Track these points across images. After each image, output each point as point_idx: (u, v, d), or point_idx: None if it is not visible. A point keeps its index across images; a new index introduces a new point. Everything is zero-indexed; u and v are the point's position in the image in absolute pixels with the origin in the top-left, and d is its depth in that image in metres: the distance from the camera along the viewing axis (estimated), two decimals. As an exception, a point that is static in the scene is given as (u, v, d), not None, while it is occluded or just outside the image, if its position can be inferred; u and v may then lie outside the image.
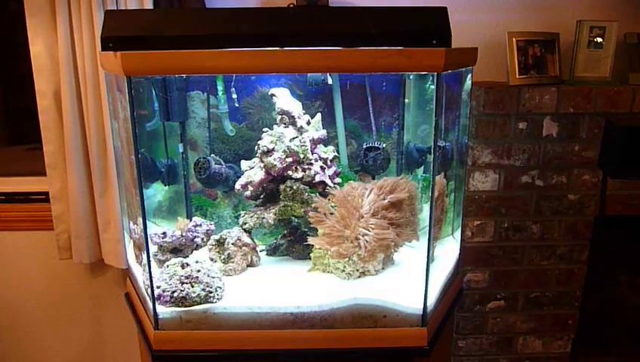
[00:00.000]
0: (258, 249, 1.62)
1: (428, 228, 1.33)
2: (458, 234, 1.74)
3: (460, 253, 1.71)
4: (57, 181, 1.97)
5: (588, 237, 2.07)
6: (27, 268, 2.15)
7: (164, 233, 1.51)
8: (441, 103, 1.24)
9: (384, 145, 1.61)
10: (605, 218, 2.00)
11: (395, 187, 1.42)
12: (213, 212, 1.73)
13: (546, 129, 1.94)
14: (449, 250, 1.69)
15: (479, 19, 1.98)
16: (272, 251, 1.66)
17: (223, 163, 1.62)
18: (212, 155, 1.62)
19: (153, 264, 1.53)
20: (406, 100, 1.71)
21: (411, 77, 1.70)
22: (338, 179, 1.60)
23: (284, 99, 1.49)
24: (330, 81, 1.62)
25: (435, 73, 1.22)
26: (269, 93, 1.51)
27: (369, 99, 1.64)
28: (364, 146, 1.62)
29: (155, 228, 1.54)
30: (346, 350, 1.39)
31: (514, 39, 1.90)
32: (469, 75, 1.58)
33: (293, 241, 1.64)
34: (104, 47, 1.21)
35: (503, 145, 1.96)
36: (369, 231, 1.42)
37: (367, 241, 1.41)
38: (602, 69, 1.97)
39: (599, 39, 1.92)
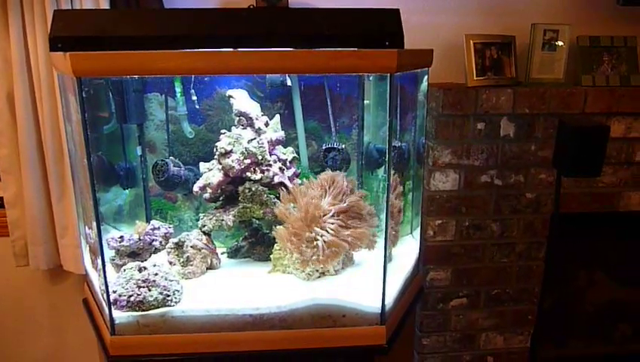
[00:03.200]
0: (220, 251, 1.61)
1: (384, 227, 1.34)
2: (417, 233, 1.76)
3: (419, 252, 1.73)
4: (12, 186, 1.92)
5: (545, 235, 2.12)
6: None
7: (121, 237, 1.48)
8: (394, 104, 1.26)
9: (343, 146, 1.63)
10: (561, 215, 2.05)
11: (336, 182, 1.43)
12: (174, 215, 1.71)
13: (503, 129, 1.99)
14: (408, 249, 1.71)
15: (438, 22, 2.01)
16: (234, 253, 1.65)
17: (181, 165, 1.61)
18: (171, 158, 1.61)
19: (110, 268, 1.51)
20: (366, 101, 1.73)
21: (371, 78, 1.72)
22: (298, 180, 1.60)
23: (241, 100, 1.49)
24: (289, 83, 1.62)
25: (388, 74, 1.23)
26: (227, 95, 1.51)
27: (328, 100, 1.65)
28: (324, 147, 1.63)
29: (113, 232, 1.52)
30: (306, 350, 1.39)
31: (471, 42, 1.94)
32: (425, 77, 1.60)
33: (255, 243, 1.63)
34: (53, 48, 1.19)
35: (463, 145, 2.00)
36: (327, 232, 1.43)
37: (325, 242, 1.41)
38: (556, 71, 2.03)
39: (559, 43, 1.98)
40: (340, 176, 1.51)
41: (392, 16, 1.25)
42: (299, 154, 1.71)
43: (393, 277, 1.50)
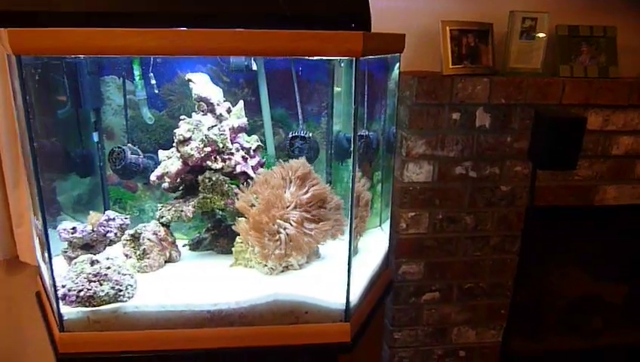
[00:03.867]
0: (181, 243, 1.54)
1: (349, 220, 1.28)
2: (387, 225, 1.70)
3: (389, 245, 1.68)
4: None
5: (519, 228, 2.08)
6: None
7: (73, 228, 1.40)
8: (360, 90, 1.19)
9: (311, 135, 1.56)
10: (536, 208, 2.01)
11: (300, 171, 1.36)
12: (134, 205, 1.63)
13: (478, 120, 1.94)
14: (376, 241, 1.66)
15: (413, 7, 1.94)
16: (195, 245, 1.58)
17: (140, 153, 1.53)
18: (129, 145, 1.52)
19: (62, 261, 1.43)
20: (337, 88, 1.66)
21: (342, 64, 1.65)
22: (262, 170, 1.53)
23: (202, 85, 1.41)
24: (254, 67, 1.54)
25: (354, 58, 1.16)
26: (186, 79, 1.42)
27: (295, 86, 1.58)
28: (290, 135, 1.56)
29: (64, 223, 1.43)
30: (267, 348, 1.33)
31: (447, 28, 1.87)
32: (397, 63, 1.54)
33: (217, 235, 1.56)
34: (-10, 24, 1.09)
35: (437, 135, 1.94)
36: (290, 224, 1.36)
37: (288, 235, 1.35)
38: (534, 61, 1.98)
39: (538, 32, 1.93)
40: (305, 166, 1.44)
41: (360, -3, 1.18)
42: (265, 143, 1.63)
43: (359, 272, 1.45)
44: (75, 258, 1.39)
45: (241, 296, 1.32)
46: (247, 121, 1.53)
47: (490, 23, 1.94)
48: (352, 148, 1.64)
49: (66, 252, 1.42)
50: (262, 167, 1.54)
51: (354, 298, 1.38)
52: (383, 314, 1.87)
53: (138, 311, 1.29)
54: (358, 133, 1.59)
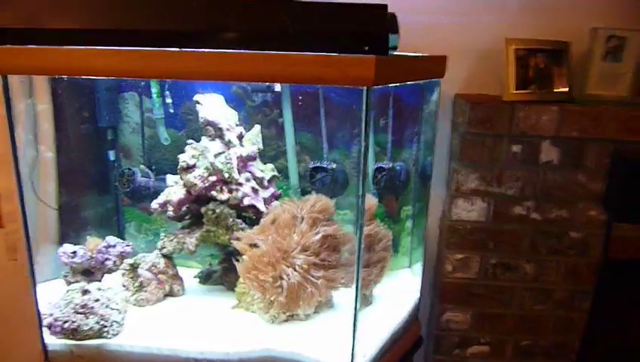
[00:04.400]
0: (194, 272, 1.43)
1: (355, 269, 1.09)
2: (419, 267, 1.48)
3: (420, 293, 1.46)
4: (4, 179, 1.84)
5: (591, 282, 1.76)
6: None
7: (74, 252, 1.34)
8: (368, 126, 1.00)
9: (334, 166, 1.38)
10: (611, 262, 1.69)
11: (314, 208, 1.19)
12: (149, 228, 1.55)
13: (544, 154, 1.65)
14: (402, 288, 1.44)
15: (474, 21, 1.70)
16: (205, 279, 1.47)
17: (151, 175, 1.44)
18: (141, 166, 1.44)
19: (64, 285, 1.37)
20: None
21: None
22: (276, 203, 1.38)
23: (210, 107, 1.28)
24: (277, 88, 1.40)
25: (364, 88, 0.98)
26: (194, 100, 1.31)
27: (322, 110, 1.41)
28: (311, 166, 1.40)
29: (66, 245, 1.37)
30: (258, 407, 1.18)
31: (513, 47, 1.62)
32: (437, 88, 1.33)
33: (228, 269, 1.43)
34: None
35: (493, 170, 1.68)
36: (295, 270, 1.20)
37: (291, 283, 1.19)
38: (620, 87, 1.66)
39: (626, 52, 1.62)
40: (322, 202, 1.27)
41: (377, 13, 0.99)
42: (289, 171, 1.48)
43: (375, 327, 1.25)
44: (73, 283, 1.32)
45: (231, 347, 1.18)
46: (270, 146, 1.39)
47: (567, 41, 1.65)
48: (381, 182, 1.47)
49: (66, 276, 1.37)
50: (277, 199, 1.39)
51: (363, 361, 1.18)
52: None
53: (121, 350, 1.20)
54: (379, 166, 1.40)
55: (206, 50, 0.97)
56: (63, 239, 1.50)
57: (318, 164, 1.38)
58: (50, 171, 1.54)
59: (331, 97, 1.42)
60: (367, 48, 0.97)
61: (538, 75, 1.65)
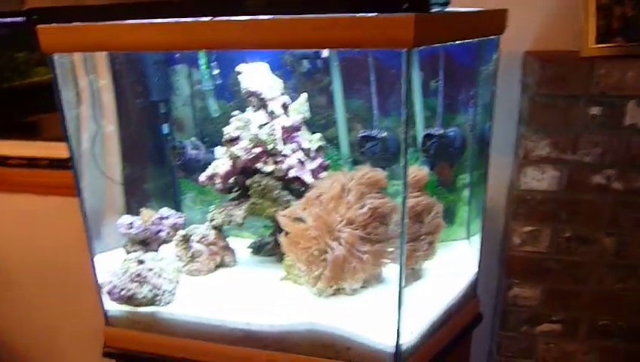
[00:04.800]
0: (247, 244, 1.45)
1: (399, 242, 1.03)
2: (477, 239, 1.38)
3: (479, 267, 1.37)
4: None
5: (684, 260, 1.57)
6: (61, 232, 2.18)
7: (130, 223, 1.39)
8: (409, 91, 0.92)
9: (384, 134, 1.31)
10: None
11: (362, 180, 1.13)
12: (204, 199, 1.57)
13: (629, 116, 1.47)
14: (458, 261, 1.36)
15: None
16: (257, 249, 1.47)
17: (202, 148, 1.45)
18: (192, 139, 1.46)
19: (123, 254, 1.44)
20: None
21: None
22: (324, 174, 1.34)
23: (252, 77, 1.25)
24: (325, 54, 1.34)
25: (404, 50, 0.90)
26: (236, 70, 1.28)
27: (372, 75, 1.34)
28: (360, 134, 1.34)
29: (125, 216, 1.43)
30: (303, 379, 1.18)
31: (592, -6, 1.43)
32: (496, 45, 1.20)
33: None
34: (29, 21, 1.07)
35: (568, 135, 1.52)
36: (340, 244, 1.16)
37: (336, 256, 1.15)
38: None
39: None
40: (369, 174, 1.21)
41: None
42: (339, 141, 1.43)
43: (424, 304, 1.20)
44: (132, 252, 1.38)
45: (276, 318, 1.18)
46: (320, 115, 1.35)
47: (661, -17, 1.42)
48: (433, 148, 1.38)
49: (125, 246, 1.43)
50: (325, 170, 1.35)
51: (410, 338, 1.14)
52: (468, 355, 1.56)
53: (173, 319, 1.24)
54: (428, 132, 1.30)
55: (239, 17, 0.93)
56: (128, 211, 1.57)
57: (367, 133, 1.32)
58: (113, 145, 1.60)
59: (382, 62, 1.34)
60: (406, 6, 0.88)
61: (625, 26, 1.45)
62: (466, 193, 1.41)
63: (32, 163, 2.18)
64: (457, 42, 1.06)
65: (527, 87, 1.56)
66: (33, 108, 2.30)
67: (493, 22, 1.12)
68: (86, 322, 2.23)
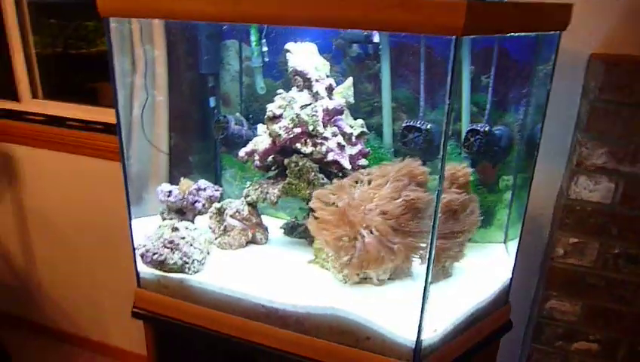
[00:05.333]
0: (279, 224, 1.46)
1: (430, 235, 1.01)
2: (515, 244, 1.33)
3: (513, 273, 1.32)
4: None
5: None
6: (110, 194, 2.26)
7: (169, 191, 1.42)
8: (456, 80, 0.89)
9: (429, 126, 1.27)
10: None
11: (408, 171, 1.11)
12: (243, 175, 1.59)
13: (698, 130, 1.36)
14: (492, 264, 1.32)
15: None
16: (289, 230, 1.48)
17: (245, 123, 1.46)
18: (237, 114, 1.47)
19: (159, 220, 1.48)
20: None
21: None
22: (364, 161, 1.32)
23: (300, 57, 1.24)
24: (376, 39, 1.31)
25: (453, 37, 0.86)
26: (285, 48, 1.28)
27: (422, 64, 1.30)
28: (404, 124, 1.31)
29: (164, 184, 1.46)
30: (317, 362, 1.17)
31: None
32: (556, 42, 1.14)
33: (313, 223, 1.42)
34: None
35: (628, 145, 1.43)
36: (371, 232, 1.14)
37: (366, 243, 1.14)
38: None
39: None
40: (408, 166, 1.19)
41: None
42: (383, 128, 1.41)
43: (450, 303, 1.17)
44: (167, 220, 1.42)
45: (299, 299, 1.18)
46: (366, 102, 1.33)
47: None
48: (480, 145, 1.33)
49: (162, 213, 1.46)
50: (364, 157, 1.33)
51: (433, 336, 1.11)
52: (494, 360, 1.51)
53: (200, 287, 1.26)
54: (473, 128, 1.25)
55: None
56: (172, 180, 1.61)
57: (411, 123, 1.29)
58: (163, 115, 1.64)
59: (433, 51, 1.30)
60: (458, -9, 0.84)
61: None
62: (507, 195, 1.35)
63: (89, 126, 2.27)
64: (513, 35, 1.01)
65: (588, 91, 1.47)
66: (96, 75, 2.40)
67: (555, 16, 1.05)
68: (123, 281, 2.33)
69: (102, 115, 2.28)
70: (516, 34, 0.99)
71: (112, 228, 2.28)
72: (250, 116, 1.52)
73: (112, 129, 2.24)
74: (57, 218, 2.43)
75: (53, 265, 2.54)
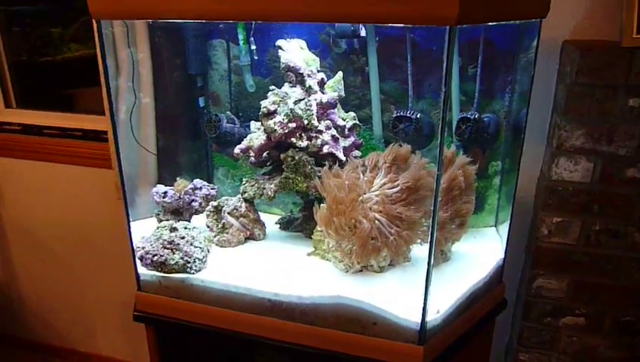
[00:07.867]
0: (276, 218, 1.47)
1: (431, 218, 1.04)
2: (505, 227, 1.38)
3: (505, 254, 1.37)
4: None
5: None
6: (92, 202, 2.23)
7: (165, 192, 1.42)
8: (451, 69, 0.92)
9: (419, 115, 1.31)
10: None
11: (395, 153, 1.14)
12: (235, 173, 1.60)
13: (669, 109, 1.44)
14: (486, 247, 1.37)
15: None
16: (286, 225, 1.49)
17: (236, 121, 1.47)
18: (227, 113, 1.48)
19: (155, 222, 1.47)
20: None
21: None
22: (357, 152, 1.35)
23: (291, 52, 1.26)
24: (363, 33, 1.34)
25: (447, 27, 0.90)
26: (277, 45, 1.30)
27: (409, 55, 1.33)
28: (394, 115, 1.34)
29: (159, 186, 1.46)
30: (327, 352, 1.20)
31: (637, -20, 1.40)
32: (536, 30, 1.19)
33: (309, 218, 1.44)
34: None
35: (604, 126, 1.50)
36: (367, 221, 1.17)
37: (363, 229, 1.17)
38: None
39: None
40: (395, 150, 1.22)
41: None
42: (372, 120, 1.44)
43: (450, 285, 1.21)
44: (164, 221, 1.41)
45: (304, 291, 1.20)
46: (355, 95, 1.36)
47: None
48: (467, 132, 1.37)
49: (158, 214, 1.46)
50: (357, 148, 1.36)
51: (436, 317, 1.15)
52: (487, 343, 1.56)
53: (203, 286, 1.27)
54: (464, 116, 1.30)
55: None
56: (160, 181, 1.60)
57: (401, 113, 1.32)
58: (149, 117, 1.63)
59: (419, 42, 1.33)
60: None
61: (669, 16, 1.41)
62: (496, 180, 1.41)
63: (66, 133, 2.23)
64: (499, 24, 1.05)
65: (564, 76, 1.54)
66: (67, 82, 2.35)
67: (537, 4, 1.11)
68: (109, 288, 2.31)
69: (79, 121, 2.24)
70: (503, 22, 1.04)
71: (95, 236, 2.25)
72: (240, 114, 1.53)
73: (90, 135, 2.21)
74: (39, 229, 2.38)
75: (36, 278, 2.49)
